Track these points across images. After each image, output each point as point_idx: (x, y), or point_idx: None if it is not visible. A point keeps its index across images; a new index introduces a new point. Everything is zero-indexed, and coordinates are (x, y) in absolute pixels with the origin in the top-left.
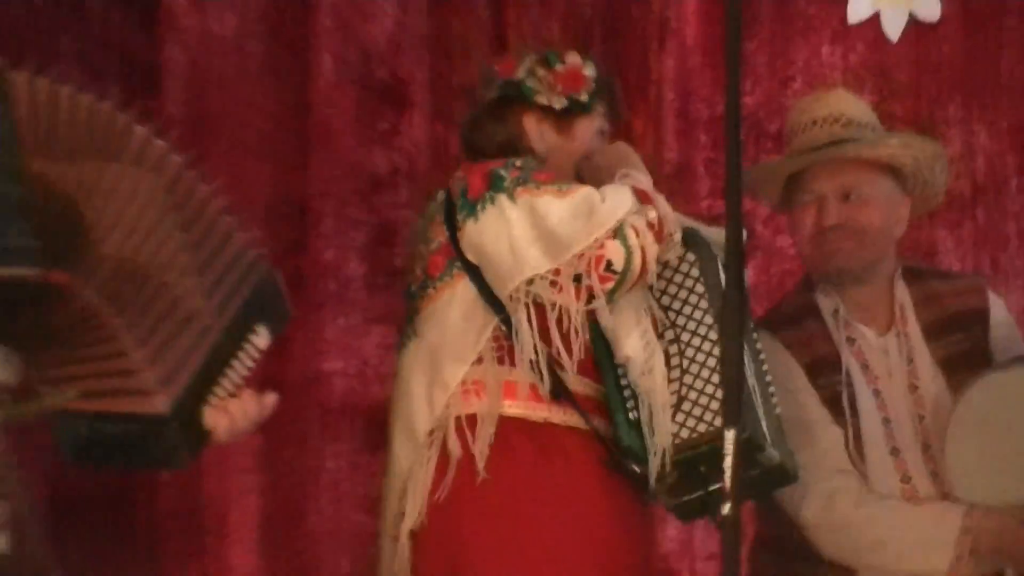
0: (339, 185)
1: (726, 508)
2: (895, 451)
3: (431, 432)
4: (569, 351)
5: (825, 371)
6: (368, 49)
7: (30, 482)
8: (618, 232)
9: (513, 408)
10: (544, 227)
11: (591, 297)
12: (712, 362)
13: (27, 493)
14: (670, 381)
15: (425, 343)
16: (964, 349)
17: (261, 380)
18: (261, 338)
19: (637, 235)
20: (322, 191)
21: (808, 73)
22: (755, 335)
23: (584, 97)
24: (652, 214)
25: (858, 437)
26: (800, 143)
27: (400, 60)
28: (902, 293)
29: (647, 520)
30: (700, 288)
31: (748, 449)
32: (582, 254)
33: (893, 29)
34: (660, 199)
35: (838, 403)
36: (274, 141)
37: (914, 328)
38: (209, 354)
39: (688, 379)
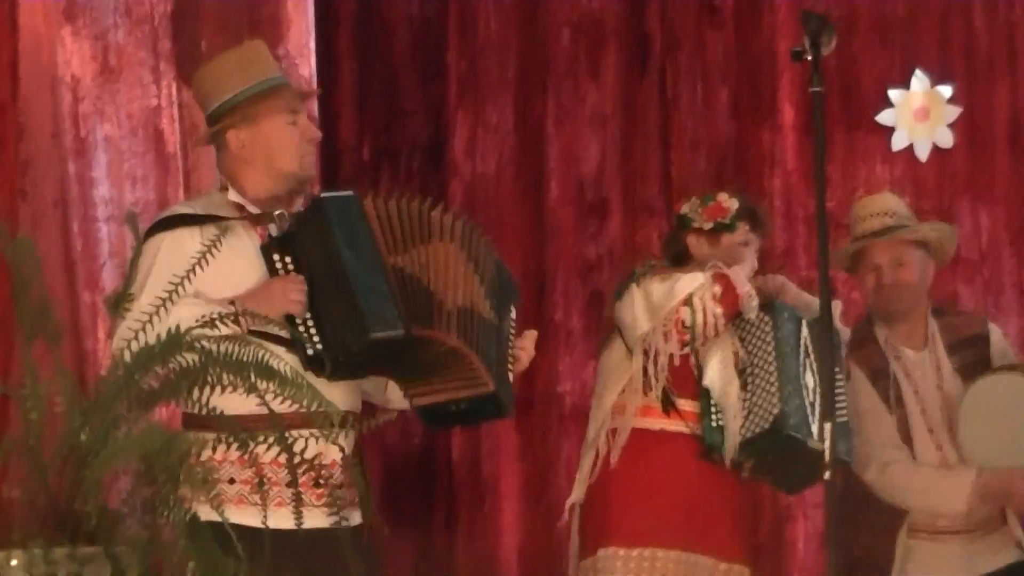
0: (565, 267)
1: (827, 474)
2: (931, 431)
3: (594, 438)
4: (670, 379)
5: (881, 378)
6: (582, 176)
7: (370, 469)
8: (688, 301)
9: (643, 423)
10: (649, 301)
11: (683, 344)
12: (772, 388)
13: (367, 478)
14: (743, 400)
15: (600, 378)
16: (972, 361)
17: (523, 398)
18: (514, 314)
19: (702, 302)
20: (553, 271)
21: (868, 184)
22: (836, 369)
23: (727, 220)
24: (717, 289)
25: (905, 421)
26: (862, 229)
27: (603, 183)
28: (932, 324)
29: (730, 489)
30: (770, 339)
31: (790, 440)
32: (667, 316)
33: (922, 152)
34: (740, 279)
35: (889, 399)
36: (522, 237)
37: (940, 347)
38: (502, 342)
39: (753, 398)
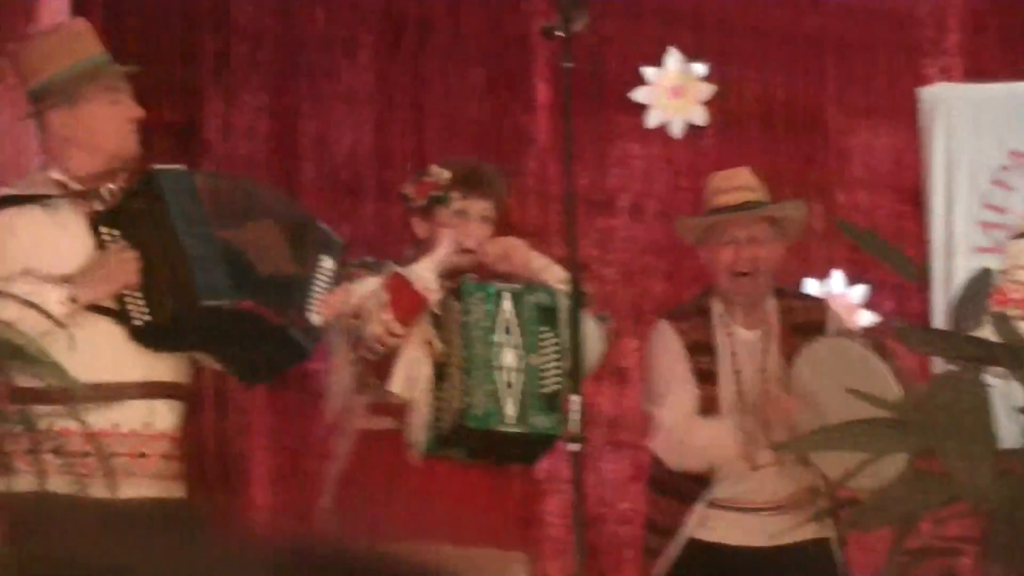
0: None
1: (574, 446)
2: (742, 411)
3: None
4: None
5: (700, 352)
6: (336, 158)
7: None
8: (355, 313)
9: (370, 422)
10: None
11: (372, 352)
12: (456, 379)
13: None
14: (441, 393)
15: None
16: (804, 345)
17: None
18: (330, 264)
19: (371, 313)
20: None
21: (622, 163)
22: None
23: (439, 194)
24: (384, 296)
25: (714, 400)
26: (720, 202)
27: (357, 165)
28: (771, 305)
29: (476, 478)
30: (456, 325)
31: (479, 430)
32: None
33: (676, 130)
34: (420, 275)
35: (705, 375)
36: None
37: (774, 330)
38: (305, 292)
39: (446, 390)
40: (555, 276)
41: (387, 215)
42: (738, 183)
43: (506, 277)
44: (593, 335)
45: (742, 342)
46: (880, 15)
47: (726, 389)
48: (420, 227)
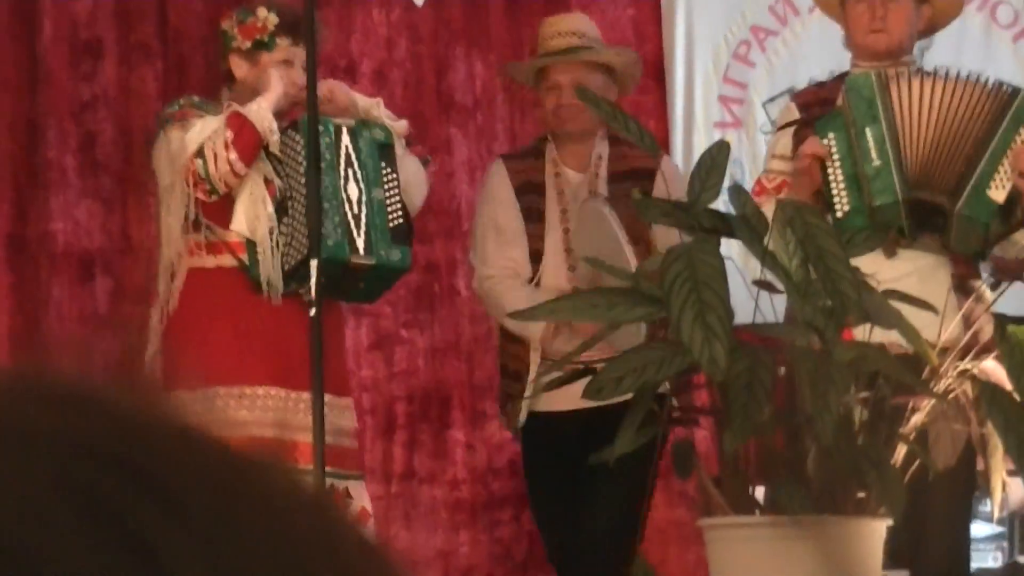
0: (58, 108)
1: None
2: (568, 251)
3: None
4: (210, 219)
5: (527, 192)
6: (76, 16)
7: None
8: (200, 152)
9: (197, 261)
10: (169, 150)
11: (208, 194)
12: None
13: None
14: (285, 228)
15: None
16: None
17: (15, 236)
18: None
19: (214, 151)
20: (47, 111)
21: (364, 29)
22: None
23: (265, 38)
24: (229, 134)
25: (540, 238)
26: (546, 47)
27: (97, 23)
28: (601, 149)
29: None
30: (300, 160)
31: (330, 262)
32: (184, 168)
33: None
34: (259, 114)
35: (533, 213)
36: (14, 78)
37: (604, 172)
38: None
39: (293, 224)
40: (384, 114)
41: (127, 75)
42: (565, 28)
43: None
44: (416, 177)
45: (570, 182)
46: None
47: (552, 227)
48: (240, 68)
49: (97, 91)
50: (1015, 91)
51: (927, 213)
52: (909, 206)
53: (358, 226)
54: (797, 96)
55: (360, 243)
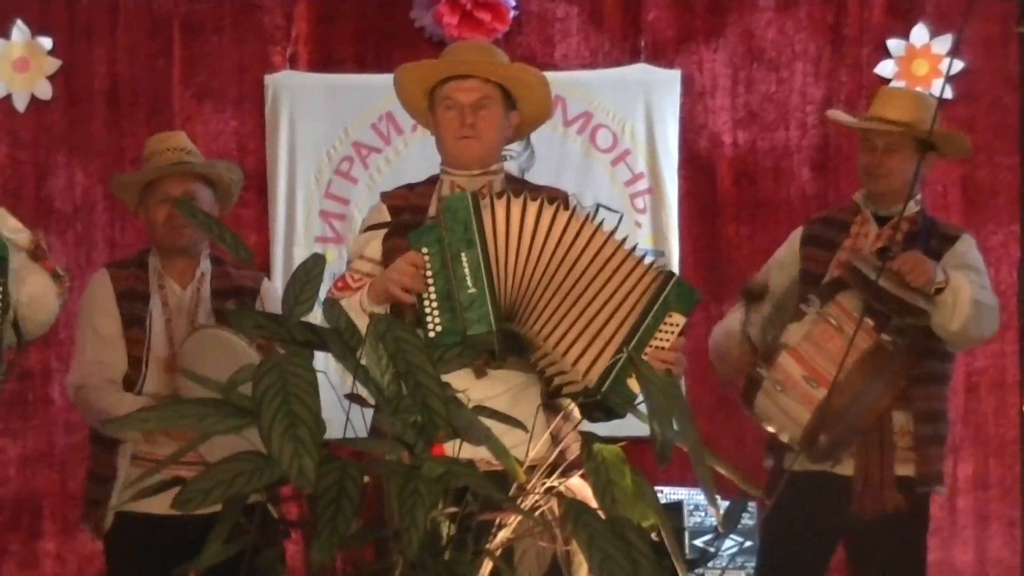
0: None
1: None
2: (167, 360)
3: None
4: None
5: (132, 299)
6: None
7: None
8: None
9: None
10: None
11: None
12: None
13: None
14: None
15: None
16: (219, 309)
17: None
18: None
19: None
20: None
21: None
22: None
23: None
24: None
25: (142, 343)
26: (157, 163)
27: None
28: (205, 265)
29: None
30: None
31: None
32: None
33: (20, 103)
34: None
35: (135, 320)
36: None
37: (207, 288)
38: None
39: None
40: (9, 226)
41: None
42: (173, 144)
43: None
44: (44, 291)
45: (175, 296)
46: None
47: (157, 334)
48: None
49: None
50: (665, 272)
51: (519, 340)
52: (502, 334)
53: None
54: (387, 197)
55: None
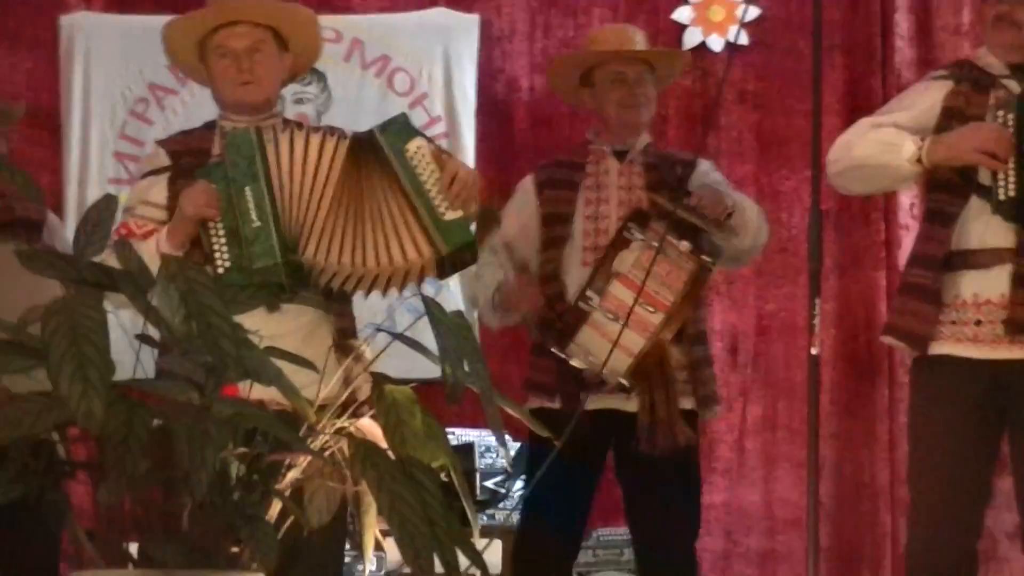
0: None
1: None
2: None
3: None
4: None
5: None
6: None
7: None
8: None
9: None
10: None
11: None
12: None
13: None
14: None
15: None
16: None
17: None
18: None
19: None
20: None
21: None
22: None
23: None
24: None
25: None
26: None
27: None
28: None
29: None
30: None
31: None
32: None
33: None
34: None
35: None
36: None
37: None
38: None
39: None
40: None
41: None
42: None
43: None
44: None
45: None
46: None
47: None
48: None
49: None
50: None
51: (306, 271)
52: (289, 267)
53: None
54: (165, 143)
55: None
